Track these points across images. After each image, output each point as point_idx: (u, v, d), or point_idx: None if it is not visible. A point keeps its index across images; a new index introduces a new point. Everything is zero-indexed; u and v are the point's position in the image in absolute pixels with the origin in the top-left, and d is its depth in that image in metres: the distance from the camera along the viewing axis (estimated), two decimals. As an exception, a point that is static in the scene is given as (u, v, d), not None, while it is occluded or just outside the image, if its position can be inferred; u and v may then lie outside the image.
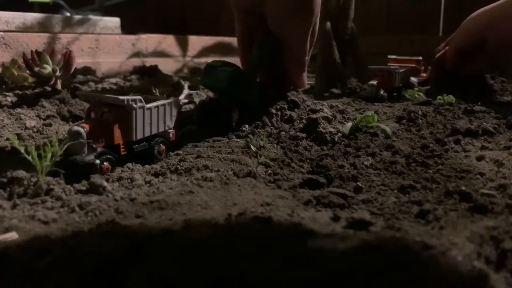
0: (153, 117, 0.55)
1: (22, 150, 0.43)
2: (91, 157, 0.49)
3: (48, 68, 0.92)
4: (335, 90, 1.19)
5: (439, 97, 0.94)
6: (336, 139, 0.69)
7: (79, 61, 1.49)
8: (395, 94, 1.04)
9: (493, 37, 1.01)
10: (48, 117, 0.79)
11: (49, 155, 0.44)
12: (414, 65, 1.17)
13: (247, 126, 0.71)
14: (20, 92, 0.93)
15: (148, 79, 1.50)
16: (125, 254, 0.31)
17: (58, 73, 0.93)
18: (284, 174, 0.56)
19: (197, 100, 0.99)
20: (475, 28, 1.04)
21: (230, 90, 0.72)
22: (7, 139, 0.64)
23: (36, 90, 0.94)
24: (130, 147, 0.54)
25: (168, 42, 2.02)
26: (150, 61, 1.79)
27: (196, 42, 2.12)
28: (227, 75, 0.71)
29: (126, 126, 0.52)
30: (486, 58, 1.06)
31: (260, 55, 0.78)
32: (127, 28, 1.95)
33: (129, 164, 0.53)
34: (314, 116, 0.73)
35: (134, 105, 0.52)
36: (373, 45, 1.76)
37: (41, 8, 2.03)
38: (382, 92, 1.03)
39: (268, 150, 0.62)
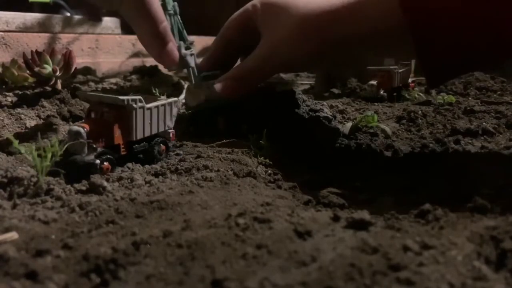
0: (153, 117, 0.55)
1: (22, 150, 0.43)
2: (91, 157, 0.48)
3: (48, 68, 0.92)
4: (335, 90, 1.19)
5: (439, 97, 0.94)
6: (336, 139, 0.68)
7: (79, 61, 1.49)
8: (395, 94, 1.04)
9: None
10: (48, 117, 0.79)
11: (49, 155, 0.44)
12: None
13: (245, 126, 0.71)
14: (20, 92, 0.93)
15: (148, 79, 1.50)
16: (125, 254, 0.31)
17: (58, 73, 0.93)
18: (284, 174, 0.56)
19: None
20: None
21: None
22: (7, 139, 0.64)
23: (36, 90, 0.94)
24: (130, 147, 0.54)
25: (168, 42, 2.01)
26: (150, 61, 1.79)
27: (196, 42, 2.12)
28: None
29: (126, 126, 0.52)
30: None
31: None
32: (127, 28, 1.95)
33: (129, 164, 0.53)
34: (314, 116, 0.73)
35: (134, 105, 0.52)
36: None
37: (41, 8, 2.03)
38: (382, 92, 1.03)
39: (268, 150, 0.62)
